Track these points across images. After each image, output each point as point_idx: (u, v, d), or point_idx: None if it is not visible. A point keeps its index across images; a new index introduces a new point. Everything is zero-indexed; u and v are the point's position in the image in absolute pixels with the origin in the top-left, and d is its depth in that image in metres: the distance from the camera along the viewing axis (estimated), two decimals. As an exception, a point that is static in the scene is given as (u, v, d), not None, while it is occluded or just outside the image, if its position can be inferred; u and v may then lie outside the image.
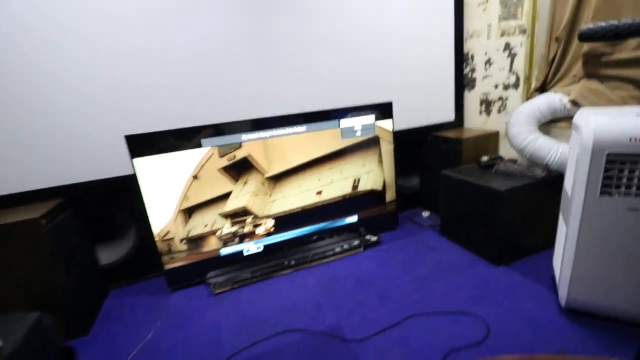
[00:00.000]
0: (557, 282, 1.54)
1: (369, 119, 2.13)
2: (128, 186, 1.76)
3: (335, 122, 2.06)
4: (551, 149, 1.83)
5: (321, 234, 2.22)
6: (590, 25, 0.60)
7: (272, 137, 1.94)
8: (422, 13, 2.34)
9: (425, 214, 2.63)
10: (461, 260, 1.95)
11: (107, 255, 1.98)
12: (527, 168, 1.89)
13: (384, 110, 2.17)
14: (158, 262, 1.85)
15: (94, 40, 1.69)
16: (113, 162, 1.81)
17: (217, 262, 1.98)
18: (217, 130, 1.82)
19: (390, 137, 2.22)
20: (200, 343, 1.50)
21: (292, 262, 2.04)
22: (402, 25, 2.31)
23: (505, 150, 2.32)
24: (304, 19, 2.07)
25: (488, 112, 2.44)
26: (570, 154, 1.44)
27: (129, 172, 1.77)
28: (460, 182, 2.02)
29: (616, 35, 0.62)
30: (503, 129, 2.32)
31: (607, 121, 1.22)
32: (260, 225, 2.04)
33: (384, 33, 2.27)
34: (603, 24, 0.61)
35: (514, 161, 2.06)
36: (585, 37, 0.63)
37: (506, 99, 2.28)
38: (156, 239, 1.81)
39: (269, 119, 1.93)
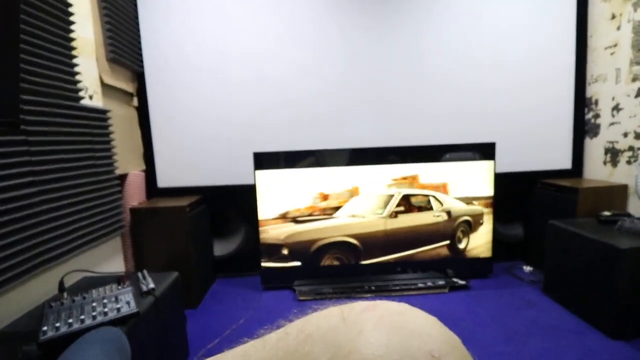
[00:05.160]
0: (696, 369, 1.24)
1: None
2: (247, 193, 2.15)
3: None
4: (696, 208, 1.53)
5: (405, 267, 2.23)
6: None
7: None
8: (540, 54, 2.31)
9: (527, 268, 2.38)
10: (566, 324, 1.71)
11: (220, 248, 2.39)
12: (662, 229, 1.61)
13: (486, 151, 2.14)
14: (258, 262, 2.15)
15: (238, 80, 2.22)
16: (237, 172, 2.25)
17: (304, 271, 2.18)
18: (322, 156, 2.10)
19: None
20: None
21: (373, 288, 2.10)
22: (517, 64, 2.31)
23: (635, 208, 2.00)
24: (419, 56, 2.29)
25: (614, 162, 2.16)
26: None
27: (249, 182, 2.17)
28: (572, 235, 1.82)
29: None
30: (633, 182, 2.02)
31: None
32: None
33: (498, 72, 2.31)
34: None
35: (646, 220, 1.77)
36: None
37: (638, 149, 2.00)
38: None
39: (371, 150, 2.14)
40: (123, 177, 1.99)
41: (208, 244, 2.29)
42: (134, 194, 2.05)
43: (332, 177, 2.11)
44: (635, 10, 1.98)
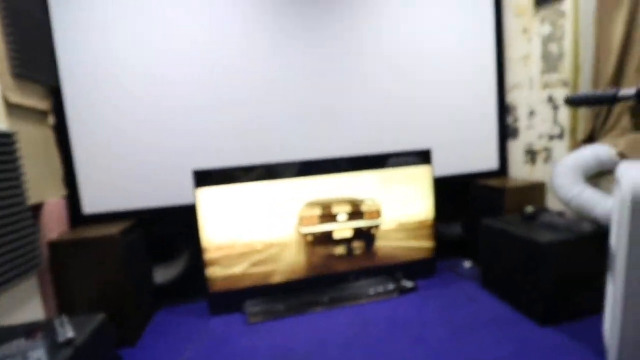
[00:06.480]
0: (606, 348, 1.40)
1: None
2: (188, 214, 2.02)
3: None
4: (599, 202, 1.74)
5: (357, 274, 2.25)
6: (574, 94, 0.69)
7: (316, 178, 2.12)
8: (467, 67, 2.49)
9: (467, 264, 2.54)
10: (502, 316, 1.85)
11: (161, 274, 2.21)
12: (574, 222, 1.80)
13: (423, 157, 2.25)
14: (203, 286, 2.03)
15: (167, 100, 2.10)
16: (176, 192, 2.12)
17: (255, 291, 2.10)
18: (266, 170, 2.05)
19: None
20: (232, 367, 1.58)
21: (326, 300, 2.09)
22: (444, 75, 2.46)
23: (553, 202, 2.23)
24: (351, 67, 2.33)
25: (533, 162, 2.39)
26: (614, 209, 1.38)
27: (190, 201, 2.04)
28: (501, 233, 1.97)
29: (591, 102, 0.70)
30: (550, 179, 2.25)
31: (650, 176, 1.19)
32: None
33: (426, 82, 2.44)
34: (587, 92, 0.70)
35: (561, 214, 1.97)
36: (570, 102, 0.72)
37: (551, 149, 2.24)
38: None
39: (314, 162, 2.13)
40: (38, 207, 1.75)
41: (146, 272, 2.11)
42: (53, 225, 1.82)
43: (277, 191, 2.07)
44: (542, 25, 2.21)
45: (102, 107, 2.03)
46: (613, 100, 0.64)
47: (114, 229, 1.82)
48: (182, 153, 2.13)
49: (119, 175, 2.07)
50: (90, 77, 2.00)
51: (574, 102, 0.68)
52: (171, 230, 2.21)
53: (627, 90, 0.63)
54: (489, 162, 2.61)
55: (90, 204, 2.05)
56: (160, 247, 2.22)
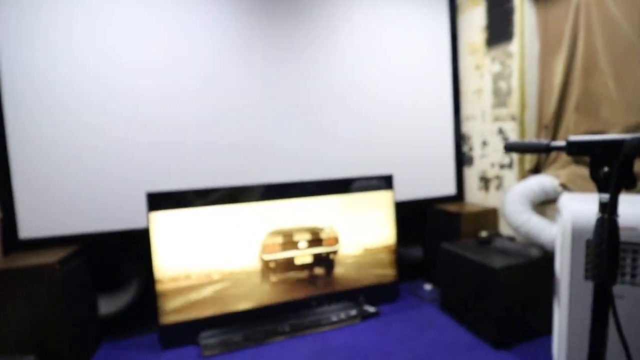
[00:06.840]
0: (555, 371, 1.46)
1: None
2: (138, 239, 1.89)
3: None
4: (544, 229, 1.87)
5: (319, 300, 2.21)
6: (512, 141, 0.76)
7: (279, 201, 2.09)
8: (424, 97, 2.63)
9: (428, 287, 2.58)
10: (460, 341, 1.88)
11: (107, 304, 2.03)
12: (523, 247, 1.91)
13: (385, 182, 2.30)
14: (154, 317, 1.88)
15: (119, 110, 2.00)
16: (126, 215, 1.98)
17: (211, 321, 1.98)
18: (225, 193, 1.99)
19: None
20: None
21: (287, 328, 2.02)
22: (406, 106, 2.58)
23: (504, 227, 2.36)
24: (315, 101, 2.36)
25: (487, 188, 2.54)
26: (557, 238, 1.48)
27: (141, 225, 1.91)
28: (457, 257, 2.04)
29: (527, 150, 0.77)
30: (501, 205, 2.39)
31: (586, 208, 1.29)
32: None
33: (393, 111, 2.55)
34: (525, 141, 0.77)
35: (512, 239, 2.09)
36: (508, 149, 0.78)
37: (502, 177, 2.39)
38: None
39: (275, 185, 2.10)
40: (-37, 232, 1.56)
41: (89, 304, 1.92)
42: (-19, 252, 1.62)
43: (236, 215, 2.01)
44: (492, 64, 2.40)
45: (46, 120, 1.87)
46: (546, 149, 0.71)
47: (52, 257, 1.65)
48: (135, 173, 2.01)
49: (63, 195, 1.90)
50: (35, 88, 1.85)
51: (511, 149, 0.75)
52: (119, 256, 2.05)
53: (559, 142, 0.71)
54: (447, 187, 2.73)
55: (28, 227, 1.86)
56: (106, 273, 2.05)
